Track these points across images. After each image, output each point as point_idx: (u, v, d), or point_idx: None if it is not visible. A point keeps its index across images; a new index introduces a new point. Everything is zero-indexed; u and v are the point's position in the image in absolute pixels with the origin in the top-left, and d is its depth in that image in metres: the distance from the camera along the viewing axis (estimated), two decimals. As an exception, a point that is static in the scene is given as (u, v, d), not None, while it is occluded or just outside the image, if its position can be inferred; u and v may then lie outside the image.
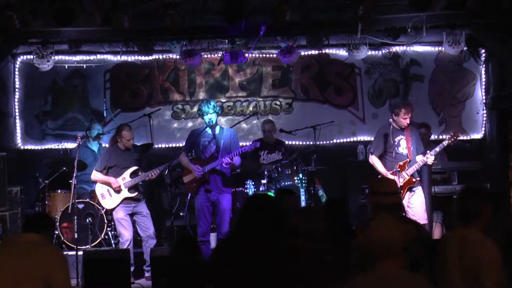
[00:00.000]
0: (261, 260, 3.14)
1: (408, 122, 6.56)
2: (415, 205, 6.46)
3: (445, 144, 6.59)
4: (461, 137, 8.41)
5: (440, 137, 8.45)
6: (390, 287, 2.68)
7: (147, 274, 6.82)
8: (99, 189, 6.96)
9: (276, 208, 3.37)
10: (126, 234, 6.78)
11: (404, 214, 4.76)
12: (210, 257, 3.49)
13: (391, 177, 6.41)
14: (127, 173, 6.86)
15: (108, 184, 6.85)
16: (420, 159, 6.53)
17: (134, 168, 6.90)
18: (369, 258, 2.75)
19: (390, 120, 6.62)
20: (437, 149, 6.55)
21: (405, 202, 6.45)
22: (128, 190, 6.83)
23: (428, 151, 6.53)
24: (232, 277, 3.18)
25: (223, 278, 3.23)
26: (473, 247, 3.33)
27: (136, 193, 6.87)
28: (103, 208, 7.06)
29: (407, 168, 6.47)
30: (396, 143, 6.57)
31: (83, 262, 6.00)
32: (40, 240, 3.70)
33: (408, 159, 6.50)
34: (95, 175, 6.96)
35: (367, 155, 8.33)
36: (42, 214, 3.88)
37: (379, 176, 6.49)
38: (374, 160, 6.67)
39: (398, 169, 6.45)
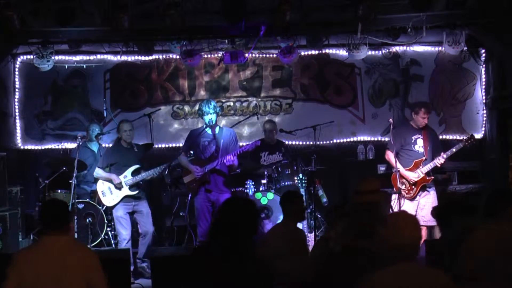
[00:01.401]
0: (235, 266, 3.10)
1: (426, 122, 6.79)
2: (426, 206, 6.57)
3: (461, 146, 6.70)
4: (462, 137, 8.43)
5: (440, 137, 8.46)
6: (410, 282, 2.74)
7: (139, 264, 6.83)
8: (100, 187, 6.98)
9: (253, 212, 3.32)
10: (124, 233, 6.80)
11: (381, 214, 4.81)
12: (188, 260, 3.45)
13: (407, 173, 6.60)
14: (128, 171, 6.89)
15: (110, 180, 6.88)
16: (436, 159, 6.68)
17: (136, 166, 6.92)
18: (389, 258, 2.81)
19: (390, 120, 6.84)
20: (454, 149, 6.69)
21: (416, 200, 6.65)
22: (129, 188, 6.85)
23: (442, 152, 6.61)
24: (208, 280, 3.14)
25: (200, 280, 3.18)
26: (504, 237, 3.62)
27: (137, 191, 6.89)
28: (103, 205, 7.07)
29: (422, 166, 6.61)
30: (412, 141, 6.76)
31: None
32: (71, 241, 3.73)
33: (424, 158, 6.65)
34: (98, 172, 7.01)
35: (367, 155, 8.38)
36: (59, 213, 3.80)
37: (395, 172, 6.69)
38: (389, 156, 6.84)
39: (398, 170, 6.56)
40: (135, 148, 7.05)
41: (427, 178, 6.65)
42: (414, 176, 6.61)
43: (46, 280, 3.51)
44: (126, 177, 6.88)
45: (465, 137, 6.90)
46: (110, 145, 7.87)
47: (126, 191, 6.85)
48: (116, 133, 7.25)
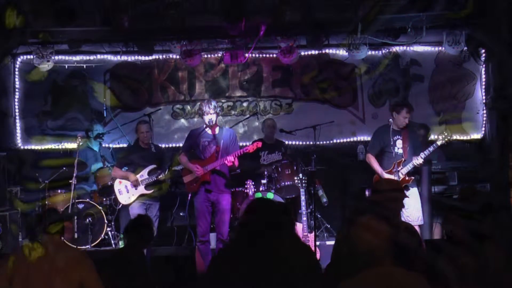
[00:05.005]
0: (262, 266, 3.11)
1: (407, 122, 6.68)
2: (409, 205, 6.48)
3: (439, 144, 6.63)
4: (461, 137, 8.44)
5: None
6: (385, 285, 2.70)
7: None
8: (117, 185, 7.02)
9: (276, 211, 3.34)
10: None
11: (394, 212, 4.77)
12: (209, 266, 3.45)
13: (386, 175, 6.57)
14: (145, 171, 6.91)
15: (126, 178, 6.90)
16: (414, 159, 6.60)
17: (152, 166, 6.94)
18: (358, 265, 2.77)
19: (390, 120, 6.71)
20: (431, 148, 6.59)
21: None
22: (145, 187, 6.87)
23: (421, 152, 6.58)
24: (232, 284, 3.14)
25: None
26: None
27: (153, 191, 6.90)
28: (119, 203, 7.10)
29: (401, 167, 6.56)
30: (392, 143, 6.67)
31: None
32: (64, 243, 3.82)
33: (403, 159, 6.62)
34: (115, 171, 7.05)
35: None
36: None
37: (375, 176, 6.69)
38: (370, 159, 6.80)
39: (398, 169, 6.54)
40: (152, 148, 7.09)
41: (407, 178, 6.59)
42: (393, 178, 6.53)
43: (41, 279, 3.61)
44: (143, 176, 6.92)
45: (441, 136, 6.82)
46: (112, 145, 7.88)
47: (141, 189, 6.88)
48: (136, 133, 7.24)
